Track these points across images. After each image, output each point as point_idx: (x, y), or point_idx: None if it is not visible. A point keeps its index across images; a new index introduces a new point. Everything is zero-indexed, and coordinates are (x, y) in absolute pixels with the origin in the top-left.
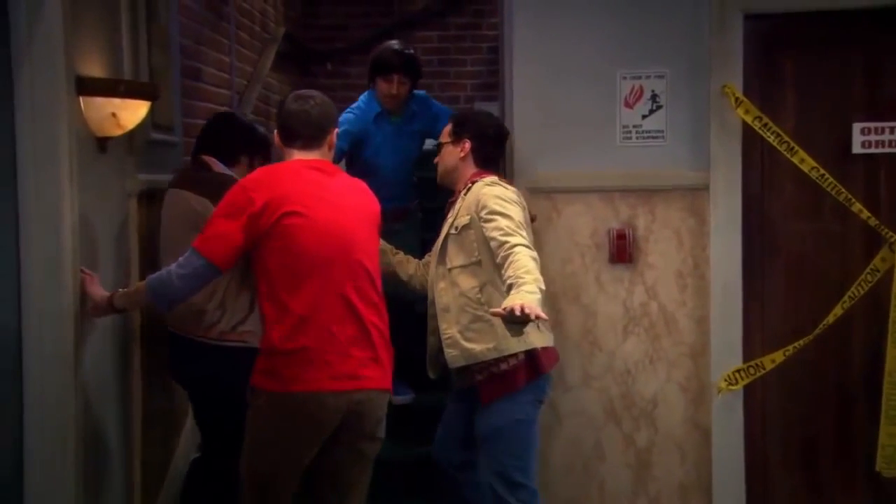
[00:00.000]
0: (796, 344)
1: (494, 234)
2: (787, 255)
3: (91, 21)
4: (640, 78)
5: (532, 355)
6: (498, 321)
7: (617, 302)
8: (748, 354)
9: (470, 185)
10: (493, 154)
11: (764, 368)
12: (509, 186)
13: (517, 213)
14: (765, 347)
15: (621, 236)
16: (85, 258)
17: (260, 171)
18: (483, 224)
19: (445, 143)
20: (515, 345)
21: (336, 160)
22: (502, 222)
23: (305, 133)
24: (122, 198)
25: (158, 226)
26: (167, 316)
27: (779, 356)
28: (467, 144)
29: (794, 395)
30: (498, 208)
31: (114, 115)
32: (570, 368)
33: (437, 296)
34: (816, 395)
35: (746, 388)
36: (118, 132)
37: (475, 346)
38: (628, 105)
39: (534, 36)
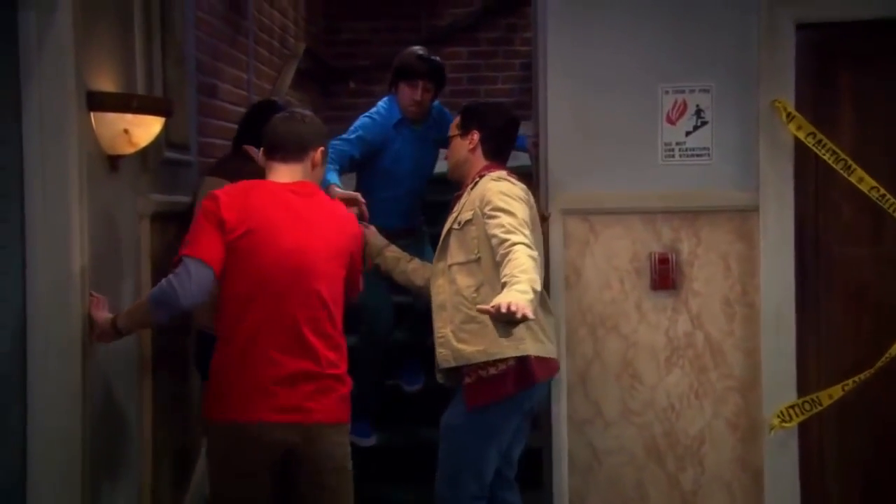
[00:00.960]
0: (856, 378)
1: (496, 231)
2: (844, 281)
3: (103, 34)
4: (683, 92)
5: (524, 362)
6: (491, 322)
7: (659, 331)
8: (803, 389)
9: (478, 179)
10: (504, 145)
11: (821, 404)
12: (517, 182)
13: (522, 210)
14: (821, 381)
15: (664, 261)
16: (94, 283)
17: (233, 186)
18: (486, 220)
19: (454, 135)
20: (507, 349)
21: (342, 170)
22: (504, 219)
23: (287, 146)
24: (134, 219)
25: (171, 249)
26: (195, 314)
27: (837, 391)
28: (475, 136)
29: (854, 433)
30: (502, 205)
31: (126, 131)
32: (609, 403)
33: (434, 293)
34: (879, 433)
35: (801, 426)
36: (130, 150)
37: (466, 348)
38: (671, 121)
39: (569, 47)
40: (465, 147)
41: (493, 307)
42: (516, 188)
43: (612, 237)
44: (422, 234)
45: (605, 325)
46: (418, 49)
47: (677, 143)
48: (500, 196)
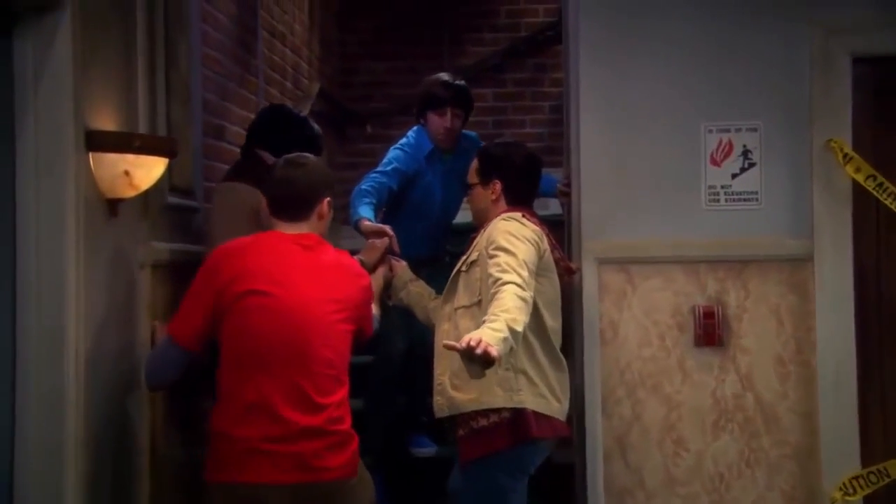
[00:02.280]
0: None
1: (492, 270)
2: None
3: (103, 69)
4: (728, 131)
5: (520, 416)
6: (489, 371)
7: (705, 392)
8: (868, 458)
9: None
10: (527, 190)
11: (889, 476)
12: (528, 223)
13: (525, 251)
14: (888, 450)
15: (709, 315)
16: (89, 336)
17: (234, 242)
18: (488, 260)
19: (475, 183)
20: (500, 399)
21: (381, 203)
22: (502, 259)
23: (290, 206)
24: (133, 268)
25: (172, 298)
26: None
27: None
28: (498, 186)
29: None
30: (504, 244)
31: (127, 173)
32: (650, 471)
33: (437, 338)
34: None
35: (867, 499)
36: (131, 193)
37: (459, 396)
38: (715, 162)
39: (604, 84)
40: (488, 197)
41: (459, 343)
42: (526, 229)
43: (652, 288)
44: (445, 263)
45: (646, 385)
46: (443, 75)
47: (723, 187)
48: (504, 235)
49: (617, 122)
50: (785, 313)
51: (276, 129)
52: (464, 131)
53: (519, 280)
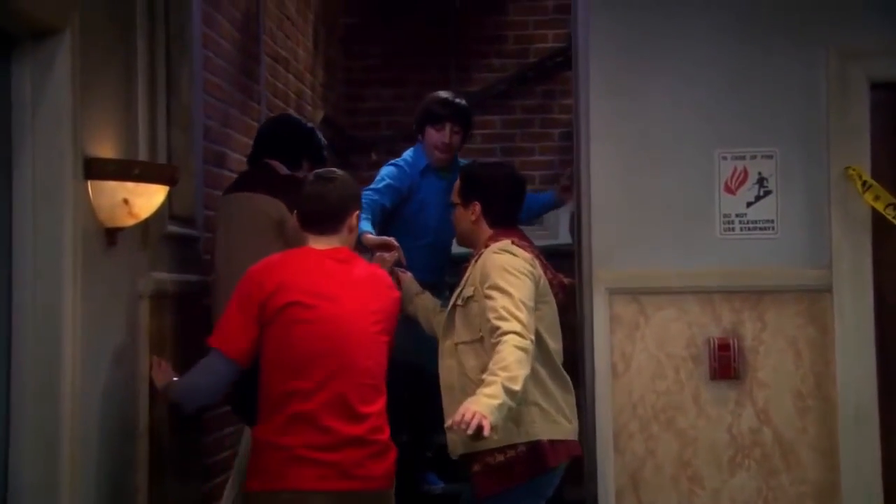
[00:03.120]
0: None
1: (490, 315)
2: None
3: (103, 95)
4: (743, 158)
5: (536, 448)
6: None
7: (721, 427)
8: (891, 496)
9: (483, 250)
10: (509, 211)
11: None
12: (520, 252)
13: (522, 287)
14: None
15: (724, 347)
16: (86, 370)
17: (272, 257)
18: (485, 300)
19: (456, 204)
20: (516, 435)
21: (374, 220)
22: (499, 302)
23: (323, 220)
24: (132, 299)
25: (173, 331)
26: None
27: None
28: (477, 207)
29: None
30: (500, 282)
31: (126, 201)
32: None
33: (443, 374)
34: None
35: None
36: (130, 222)
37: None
38: (730, 190)
39: (614, 110)
40: (469, 218)
41: (454, 420)
42: (519, 260)
43: (665, 320)
44: (445, 297)
45: (659, 420)
46: (443, 93)
47: (738, 215)
48: (499, 273)
49: (628, 149)
50: (803, 346)
51: (287, 139)
52: (461, 159)
53: (518, 328)
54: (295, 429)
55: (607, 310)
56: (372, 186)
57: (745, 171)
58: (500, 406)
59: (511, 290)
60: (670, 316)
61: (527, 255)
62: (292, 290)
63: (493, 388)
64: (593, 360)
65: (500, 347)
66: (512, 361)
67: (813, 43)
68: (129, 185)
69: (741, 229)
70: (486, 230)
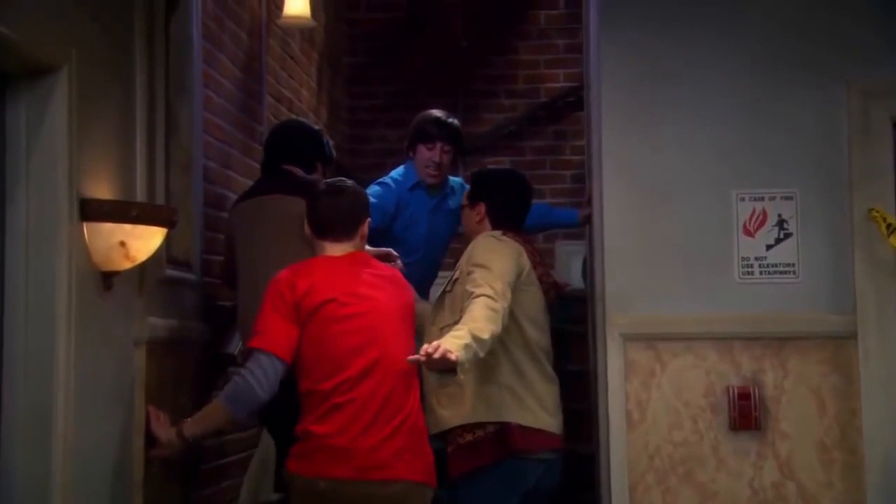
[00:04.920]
0: None
1: (468, 286)
2: None
3: (100, 134)
4: (762, 199)
5: (503, 430)
6: (469, 386)
7: (742, 481)
8: None
9: None
10: (513, 213)
11: None
12: (506, 239)
13: (500, 263)
14: None
15: (744, 396)
16: (78, 418)
17: (297, 264)
18: (467, 277)
19: (464, 205)
20: (484, 415)
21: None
22: (477, 274)
23: (337, 228)
24: (127, 346)
25: (170, 378)
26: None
27: None
28: (482, 208)
29: None
30: (480, 260)
31: (122, 244)
32: None
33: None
34: None
35: None
36: (127, 266)
37: (444, 412)
38: (748, 232)
39: (628, 151)
40: (473, 219)
41: (422, 354)
42: (502, 244)
43: (683, 367)
44: None
45: (677, 473)
46: (435, 111)
47: (757, 259)
48: (481, 252)
49: (642, 191)
50: (827, 395)
51: (301, 144)
52: (451, 177)
53: (490, 292)
54: (332, 419)
55: (622, 356)
56: None
57: (765, 213)
58: (467, 346)
59: (489, 264)
60: (687, 363)
61: (514, 243)
62: (325, 290)
63: (460, 332)
64: (607, 409)
65: (469, 307)
66: (480, 315)
67: (833, 80)
68: (126, 227)
69: (761, 273)
70: (487, 230)
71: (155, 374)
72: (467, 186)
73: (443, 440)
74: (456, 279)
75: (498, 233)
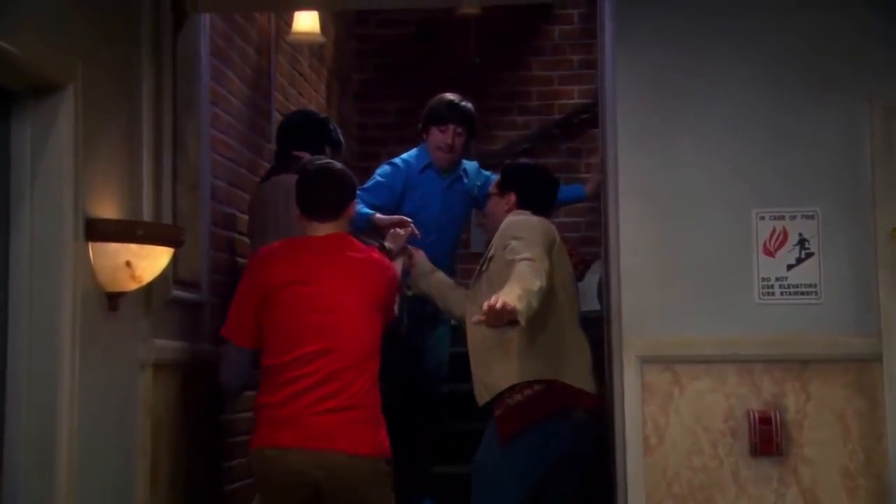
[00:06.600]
0: None
1: (507, 255)
2: None
3: (106, 153)
4: (782, 218)
5: (550, 388)
6: (514, 350)
7: None
8: None
9: None
10: (542, 202)
11: None
12: (534, 217)
13: (533, 232)
14: None
15: (765, 420)
16: (82, 441)
17: (274, 244)
18: (503, 252)
19: (493, 194)
20: (530, 373)
21: (361, 220)
22: (514, 244)
23: (324, 208)
24: (133, 368)
25: (176, 401)
26: None
27: None
28: (512, 197)
29: None
30: (515, 233)
31: (129, 264)
32: None
33: (469, 336)
34: None
35: None
36: (133, 286)
37: (493, 379)
38: (769, 252)
39: (644, 169)
40: (503, 207)
41: (483, 313)
42: (533, 219)
43: (702, 391)
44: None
45: (696, 499)
46: (449, 95)
47: (777, 279)
48: (515, 227)
49: (659, 210)
50: (851, 419)
51: (310, 130)
52: (465, 160)
53: (530, 255)
54: (284, 393)
55: (639, 379)
56: (364, 186)
57: (785, 232)
58: (520, 297)
59: (525, 235)
60: (707, 386)
61: (544, 219)
62: (293, 271)
63: (510, 287)
64: (624, 433)
65: (512, 270)
66: (525, 272)
67: (854, 96)
68: (133, 247)
69: (782, 294)
70: None
71: (161, 396)
72: (484, 172)
73: (490, 407)
74: (491, 257)
75: (526, 212)
